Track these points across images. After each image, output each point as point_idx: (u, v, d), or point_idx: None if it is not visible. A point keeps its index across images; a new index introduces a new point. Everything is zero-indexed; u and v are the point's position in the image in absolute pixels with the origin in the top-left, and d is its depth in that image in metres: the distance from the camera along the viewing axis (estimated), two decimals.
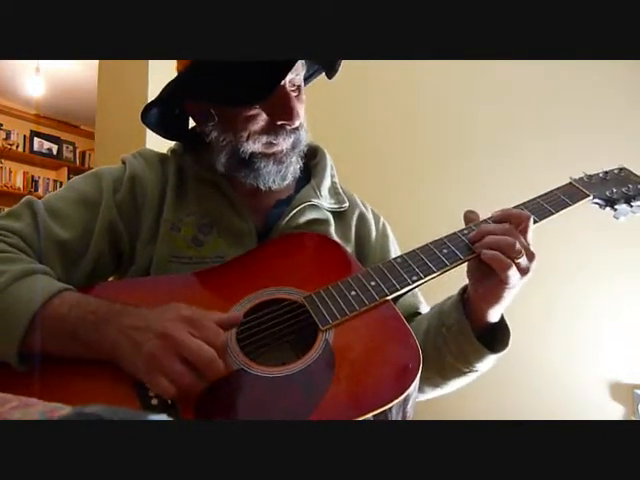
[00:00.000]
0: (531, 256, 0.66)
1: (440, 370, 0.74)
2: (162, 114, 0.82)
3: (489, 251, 0.65)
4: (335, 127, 1.92)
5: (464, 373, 0.73)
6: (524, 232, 0.67)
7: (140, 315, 0.58)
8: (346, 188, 0.92)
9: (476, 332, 0.70)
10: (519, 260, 0.64)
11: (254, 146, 0.75)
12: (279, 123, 0.75)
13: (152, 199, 0.78)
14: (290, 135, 0.76)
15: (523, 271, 0.65)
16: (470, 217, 0.73)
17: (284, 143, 0.76)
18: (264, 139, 0.75)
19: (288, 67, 0.70)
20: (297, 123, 0.76)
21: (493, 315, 0.69)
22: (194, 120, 0.83)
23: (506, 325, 0.72)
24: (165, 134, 0.86)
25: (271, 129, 0.75)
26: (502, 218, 0.70)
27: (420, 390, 0.78)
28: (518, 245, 0.64)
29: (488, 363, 0.72)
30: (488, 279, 0.67)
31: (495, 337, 0.71)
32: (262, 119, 0.74)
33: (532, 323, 1.77)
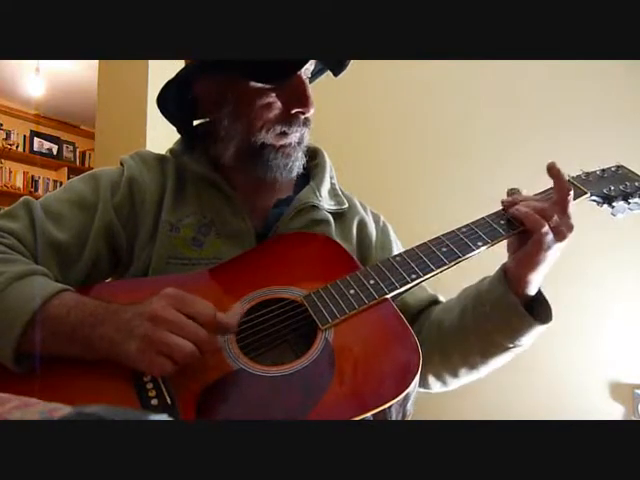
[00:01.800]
0: (567, 225, 0.68)
1: (481, 350, 0.73)
2: (172, 103, 0.80)
3: (523, 208, 0.68)
4: (334, 127, 1.91)
5: (508, 349, 0.72)
6: (563, 203, 0.69)
7: (132, 309, 0.59)
8: (345, 190, 0.92)
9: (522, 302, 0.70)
10: (552, 222, 0.66)
11: (266, 136, 0.75)
12: (294, 111, 0.75)
13: (150, 201, 0.77)
14: (302, 126, 0.77)
15: (557, 234, 0.67)
16: (509, 193, 0.75)
17: (294, 135, 0.76)
18: (278, 128, 0.75)
19: None
20: (312, 111, 0.76)
21: (532, 284, 0.70)
22: (205, 108, 0.80)
23: (545, 299, 0.72)
24: (175, 123, 0.84)
25: (285, 118, 0.75)
26: (553, 175, 0.71)
27: (454, 375, 0.78)
28: (551, 211, 0.67)
29: (531, 337, 0.71)
30: (525, 245, 0.68)
31: (534, 313, 0.71)
32: (277, 107, 0.74)
33: None
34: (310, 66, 0.77)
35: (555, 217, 0.67)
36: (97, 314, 0.60)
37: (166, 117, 0.82)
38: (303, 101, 0.74)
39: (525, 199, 0.71)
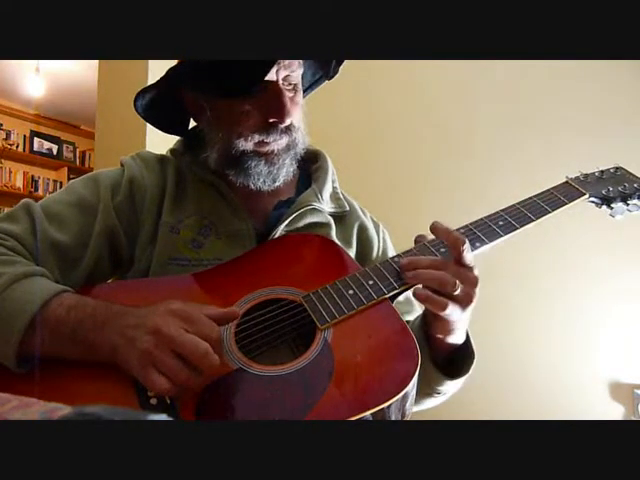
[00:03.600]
0: (472, 283, 0.63)
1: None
2: (163, 108, 0.81)
3: (422, 291, 0.62)
4: (335, 127, 1.92)
5: (429, 394, 0.73)
6: (460, 259, 0.63)
7: (136, 314, 0.58)
8: (346, 194, 0.92)
9: (440, 354, 0.69)
10: (456, 293, 0.61)
11: (246, 144, 0.74)
12: (271, 121, 0.74)
13: (151, 202, 0.77)
14: (282, 135, 0.75)
15: (463, 302, 0.62)
16: (418, 240, 0.71)
17: (276, 144, 0.75)
18: (256, 137, 0.74)
19: (272, 61, 0.69)
20: (288, 121, 0.74)
21: (453, 339, 0.68)
22: (191, 114, 0.83)
23: (471, 349, 0.71)
24: (165, 128, 0.86)
25: (263, 127, 0.74)
26: (440, 234, 0.66)
27: None
28: (451, 279, 0.61)
29: (453, 386, 0.71)
30: (431, 313, 0.65)
31: (463, 359, 0.71)
32: (253, 116, 0.73)
33: (532, 323, 1.77)
34: (294, 73, 0.75)
35: (458, 287, 0.61)
36: (97, 315, 0.59)
37: (155, 123, 0.83)
38: (278, 111, 0.73)
39: (423, 265, 0.64)
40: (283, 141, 0.76)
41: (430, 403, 0.76)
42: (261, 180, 0.77)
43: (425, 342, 0.69)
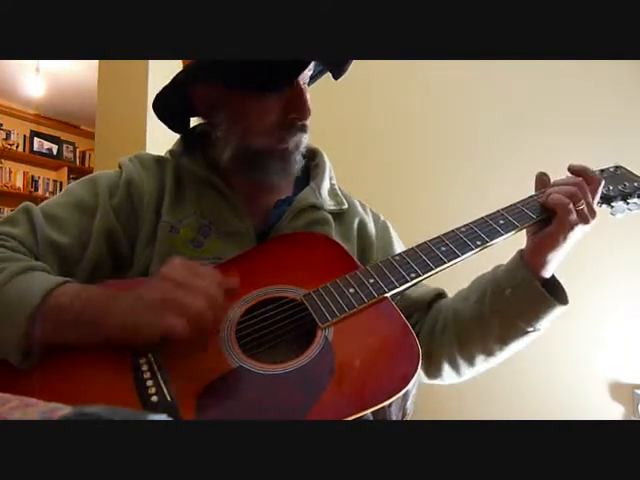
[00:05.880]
0: (592, 212, 0.71)
1: (500, 335, 0.73)
2: (168, 105, 0.80)
3: (555, 195, 0.70)
4: (335, 127, 1.92)
5: (527, 333, 0.72)
6: (593, 191, 0.72)
7: (139, 291, 0.60)
8: (345, 191, 0.92)
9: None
10: (580, 208, 0.69)
11: (264, 141, 0.75)
12: (291, 117, 0.75)
13: (149, 202, 0.77)
14: (299, 132, 0.76)
15: (583, 219, 0.70)
16: (542, 179, 0.77)
17: (292, 141, 0.76)
18: (275, 134, 0.75)
19: (309, 61, 0.71)
20: (308, 119, 0.76)
21: (549, 265, 0.71)
22: (201, 111, 0.81)
23: (559, 282, 0.74)
24: (170, 126, 0.85)
25: (282, 124, 0.75)
26: (576, 173, 0.74)
27: (471, 363, 0.78)
28: (580, 196, 0.69)
29: (550, 321, 0.72)
30: (548, 226, 0.71)
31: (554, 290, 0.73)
32: (274, 113, 0.74)
33: None
34: (308, 71, 0.76)
35: (581, 200, 0.69)
36: (101, 299, 0.61)
37: (162, 120, 0.82)
38: (300, 108, 0.74)
39: (561, 181, 0.74)
40: (298, 138, 0.77)
41: (517, 346, 0.75)
42: (275, 177, 0.78)
43: (532, 275, 0.71)
